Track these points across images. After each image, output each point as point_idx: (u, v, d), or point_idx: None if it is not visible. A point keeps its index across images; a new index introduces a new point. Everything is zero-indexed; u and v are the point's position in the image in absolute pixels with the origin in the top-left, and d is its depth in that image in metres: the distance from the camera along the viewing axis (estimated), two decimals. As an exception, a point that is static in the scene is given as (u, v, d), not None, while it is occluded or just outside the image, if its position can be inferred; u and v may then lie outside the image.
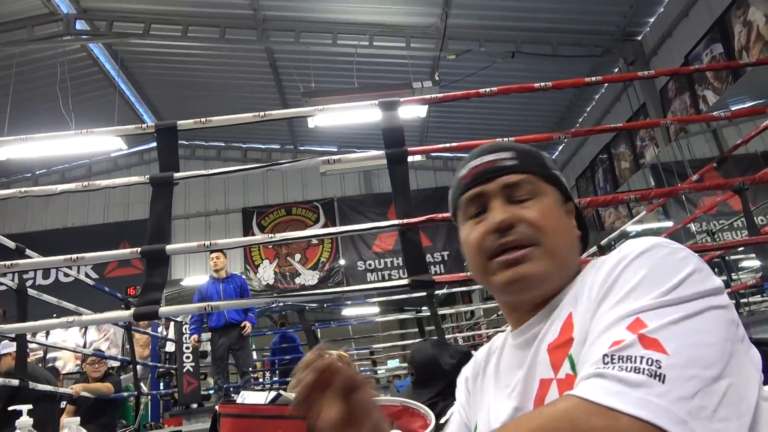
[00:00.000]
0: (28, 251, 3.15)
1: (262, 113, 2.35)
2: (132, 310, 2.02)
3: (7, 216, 10.96)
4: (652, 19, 7.14)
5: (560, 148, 10.94)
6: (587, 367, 0.51)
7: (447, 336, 7.60)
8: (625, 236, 5.66)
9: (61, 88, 7.61)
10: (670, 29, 6.80)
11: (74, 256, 2.15)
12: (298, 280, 10.30)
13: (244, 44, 7.88)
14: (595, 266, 0.63)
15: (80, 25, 7.78)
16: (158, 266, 2.10)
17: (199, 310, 1.97)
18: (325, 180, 11.04)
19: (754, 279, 3.42)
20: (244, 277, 5.83)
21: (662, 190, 3.08)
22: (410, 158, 2.34)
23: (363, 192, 11.17)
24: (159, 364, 6.60)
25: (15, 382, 3.05)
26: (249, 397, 1.30)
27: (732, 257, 5.64)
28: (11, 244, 3.00)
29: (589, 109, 9.21)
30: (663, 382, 0.46)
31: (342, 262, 10.45)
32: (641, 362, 0.47)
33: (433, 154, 8.68)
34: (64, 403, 4.24)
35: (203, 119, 2.35)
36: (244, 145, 11.70)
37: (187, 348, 6.19)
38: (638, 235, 7.18)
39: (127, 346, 6.32)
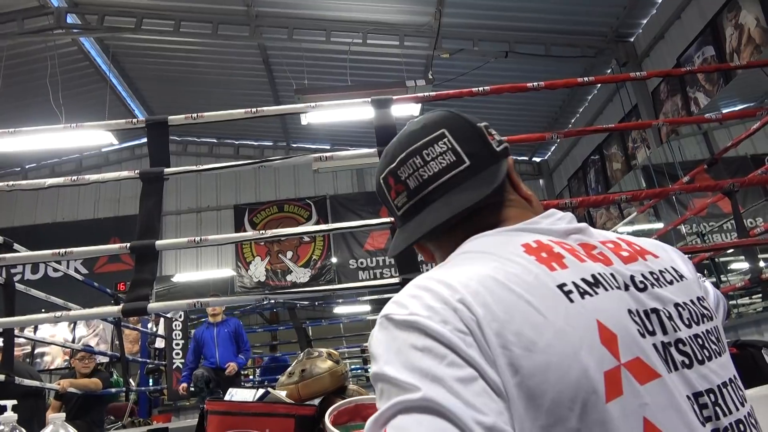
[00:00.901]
0: (16, 245, 3.12)
1: (254, 109, 2.33)
2: (121, 306, 2.00)
3: (-5, 210, 10.85)
4: (644, 21, 7.18)
5: (553, 148, 10.98)
6: None
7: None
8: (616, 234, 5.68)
9: (52, 83, 7.54)
10: (662, 31, 6.84)
11: (62, 250, 2.12)
12: (289, 278, 10.27)
13: (236, 40, 7.83)
14: None
15: (71, 18, 7.70)
16: (148, 262, 2.09)
17: (188, 307, 1.95)
18: (317, 178, 11.02)
19: (742, 281, 3.45)
20: (238, 320, 5.74)
21: (653, 191, 3.10)
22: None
23: (356, 190, 11.16)
24: (148, 360, 6.57)
25: (0, 377, 3.01)
26: (237, 395, 1.29)
27: (721, 259, 5.69)
28: (-1, 239, 2.97)
29: (581, 109, 9.25)
30: None
31: (334, 260, 10.44)
32: None
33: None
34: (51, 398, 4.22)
35: (194, 115, 2.34)
36: (236, 142, 11.65)
37: (177, 345, 6.18)
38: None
39: (117, 342, 6.28)
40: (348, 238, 10.40)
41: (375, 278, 9.99)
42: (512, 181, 0.75)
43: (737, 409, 0.61)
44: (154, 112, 10.22)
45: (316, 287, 3.28)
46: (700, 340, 0.63)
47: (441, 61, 7.46)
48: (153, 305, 2.00)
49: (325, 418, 1.14)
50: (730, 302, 5.27)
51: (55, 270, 8.27)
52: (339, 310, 10.50)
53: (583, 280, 0.60)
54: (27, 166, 11.29)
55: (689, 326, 0.64)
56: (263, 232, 2.15)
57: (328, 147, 11.08)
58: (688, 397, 0.58)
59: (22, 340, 8.22)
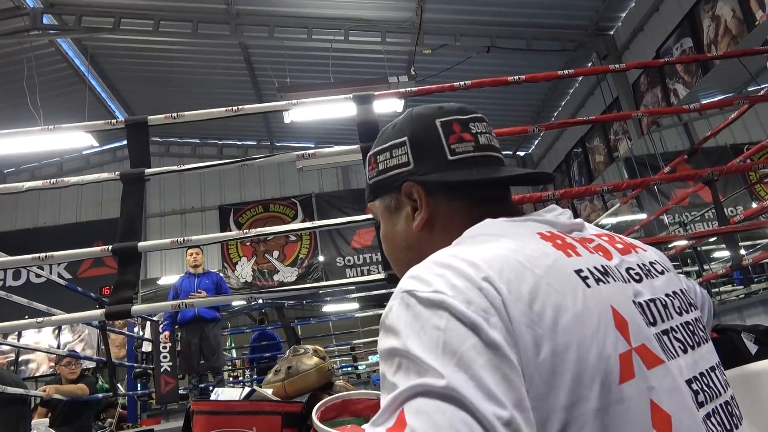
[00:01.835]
0: (-5, 251, 3.06)
1: (235, 108, 2.31)
2: (104, 309, 1.98)
3: (-26, 216, 10.66)
4: (623, 14, 7.25)
5: (536, 141, 11.05)
6: None
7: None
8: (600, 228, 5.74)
9: (29, 85, 7.41)
10: (641, 24, 6.91)
11: (43, 255, 2.09)
12: (276, 277, 10.23)
13: (217, 39, 7.77)
14: None
15: (47, 19, 7.58)
16: (130, 264, 2.06)
17: (173, 308, 1.94)
18: (302, 176, 10.97)
19: (724, 268, 3.51)
20: (221, 275, 5.75)
21: (634, 181, 3.13)
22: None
23: (341, 188, 11.14)
24: (135, 365, 6.50)
25: (-16, 385, 2.96)
26: (223, 394, 1.28)
27: (703, 248, 5.77)
28: (-23, 245, 2.91)
29: (563, 103, 9.32)
30: None
31: (321, 258, 10.41)
32: None
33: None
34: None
35: (175, 114, 2.31)
36: (219, 142, 11.56)
37: (164, 348, 6.11)
38: (614, 227, 7.31)
39: (103, 347, 6.20)
40: (334, 236, 10.38)
41: (362, 275, 9.99)
42: None
43: (723, 392, 0.65)
44: (135, 113, 10.09)
45: (303, 285, 3.27)
46: (690, 327, 0.67)
47: (423, 57, 7.47)
48: (137, 308, 1.98)
49: (312, 415, 1.13)
50: (713, 290, 5.35)
51: (38, 275, 8.15)
52: (327, 308, 10.49)
53: (595, 268, 0.62)
54: (5, 171, 11.11)
55: (680, 314, 0.67)
56: (247, 231, 2.13)
57: (313, 145, 11.04)
58: (686, 381, 0.61)
59: (5, 348, 8.10)
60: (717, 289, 5.54)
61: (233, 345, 8.74)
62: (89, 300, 5.25)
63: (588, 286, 0.59)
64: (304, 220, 10.62)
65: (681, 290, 0.71)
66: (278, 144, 11.42)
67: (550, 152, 10.55)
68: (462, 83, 2.44)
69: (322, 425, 1.10)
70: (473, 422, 0.47)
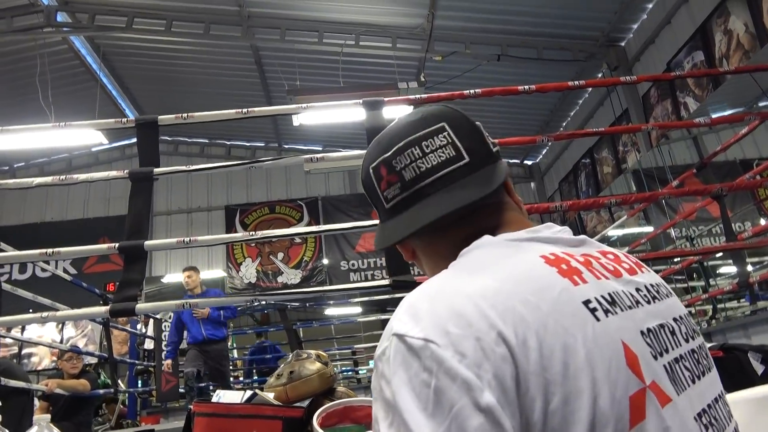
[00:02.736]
0: (2, 245, 3.08)
1: (245, 110, 2.32)
2: (108, 306, 1.98)
3: (-18, 210, 10.74)
4: (635, 26, 7.23)
5: (544, 151, 11.03)
6: None
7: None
8: (606, 241, 5.72)
9: (41, 81, 7.47)
10: (653, 36, 6.89)
11: (50, 250, 2.10)
12: (280, 279, 10.24)
13: (229, 41, 7.80)
14: None
15: (61, 17, 7.64)
16: (136, 262, 2.07)
17: (177, 307, 1.94)
18: (309, 179, 11.00)
19: (730, 285, 3.48)
20: (220, 290, 5.73)
21: (643, 195, 3.12)
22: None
23: (348, 192, 11.14)
24: (137, 362, 6.52)
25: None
26: (225, 396, 1.28)
27: (710, 263, 5.73)
28: (-15, 238, 2.93)
29: (572, 113, 9.30)
30: None
31: (325, 261, 10.42)
32: None
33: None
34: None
35: (185, 114, 2.32)
36: (228, 143, 11.60)
37: (167, 346, 6.12)
38: (620, 239, 7.27)
39: (105, 343, 6.23)
40: (339, 240, 10.39)
41: (366, 280, 9.98)
42: (506, 185, 0.73)
43: (728, 424, 0.62)
44: (145, 111, 10.15)
45: (307, 288, 3.28)
46: (695, 356, 0.63)
47: (433, 64, 7.47)
48: (141, 306, 1.99)
49: (313, 421, 1.13)
50: (719, 305, 5.31)
51: (44, 270, 8.20)
52: (330, 311, 10.47)
53: (603, 297, 0.58)
54: (15, 165, 11.19)
55: (687, 341, 0.63)
56: (253, 233, 2.14)
57: (320, 148, 11.07)
58: (694, 418, 0.57)
59: (8, 341, 8.13)
60: (723, 305, 5.50)
61: (234, 345, 8.75)
62: (92, 295, 5.28)
63: (597, 319, 0.55)
64: (309, 223, 10.63)
65: (685, 315, 0.67)
66: (286, 146, 11.46)
67: (558, 162, 10.53)
68: (472, 91, 2.44)
69: (322, 431, 1.10)
70: None
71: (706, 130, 6.29)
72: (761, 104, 5.35)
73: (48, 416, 1.28)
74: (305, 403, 1.34)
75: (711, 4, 5.81)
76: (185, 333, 5.32)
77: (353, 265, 10.33)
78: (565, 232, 0.69)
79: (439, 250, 0.70)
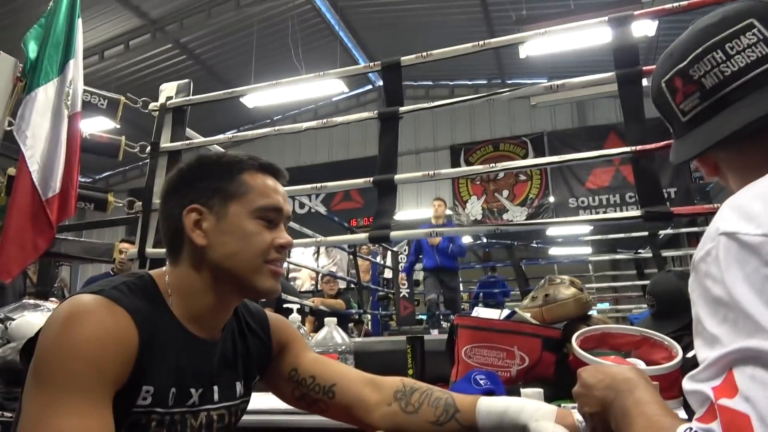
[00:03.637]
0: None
1: (481, 42, 2.32)
2: (368, 233, 2.25)
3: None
4: None
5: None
6: None
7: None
8: None
9: (292, 41, 8.50)
10: None
11: (318, 184, 2.45)
12: (505, 216, 10.25)
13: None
14: None
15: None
16: (388, 194, 2.29)
17: (425, 235, 2.10)
18: (534, 113, 10.58)
19: None
20: (452, 213, 6.20)
21: None
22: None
23: (576, 125, 10.45)
24: (379, 288, 7.30)
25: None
26: (482, 313, 1.37)
27: None
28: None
29: None
30: None
31: (551, 198, 10.07)
32: None
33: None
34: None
35: (424, 53, 2.41)
36: (451, 83, 11.76)
37: (403, 285, 6.77)
38: None
39: (353, 271, 7.08)
40: (567, 175, 9.89)
41: (597, 218, 9.42)
42: None
43: None
44: (375, 58, 10.81)
45: (547, 220, 3.24)
46: None
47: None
48: (395, 233, 2.20)
49: (572, 341, 1.15)
50: None
51: (302, 206, 9.57)
52: (555, 251, 10.20)
53: None
54: (274, 118, 13.04)
55: None
56: (493, 165, 2.18)
57: (545, 81, 10.50)
58: None
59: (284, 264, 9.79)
60: None
61: (461, 279, 9.17)
62: (341, 228, 6.03)
63: None
64: (534, 160, 10.35)
65: None
66: (509, 81, 11.15)
67: None
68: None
69: (584, 353, 1.11)
70: None
71: None
72: None
73: (335, 319, 1.54)
74: (560, 326, 1.37)
75: None
76: (421, 258, 5.87)
77: (582, 201, 9.79)
78: None
79: (751, 160, 0.63)
